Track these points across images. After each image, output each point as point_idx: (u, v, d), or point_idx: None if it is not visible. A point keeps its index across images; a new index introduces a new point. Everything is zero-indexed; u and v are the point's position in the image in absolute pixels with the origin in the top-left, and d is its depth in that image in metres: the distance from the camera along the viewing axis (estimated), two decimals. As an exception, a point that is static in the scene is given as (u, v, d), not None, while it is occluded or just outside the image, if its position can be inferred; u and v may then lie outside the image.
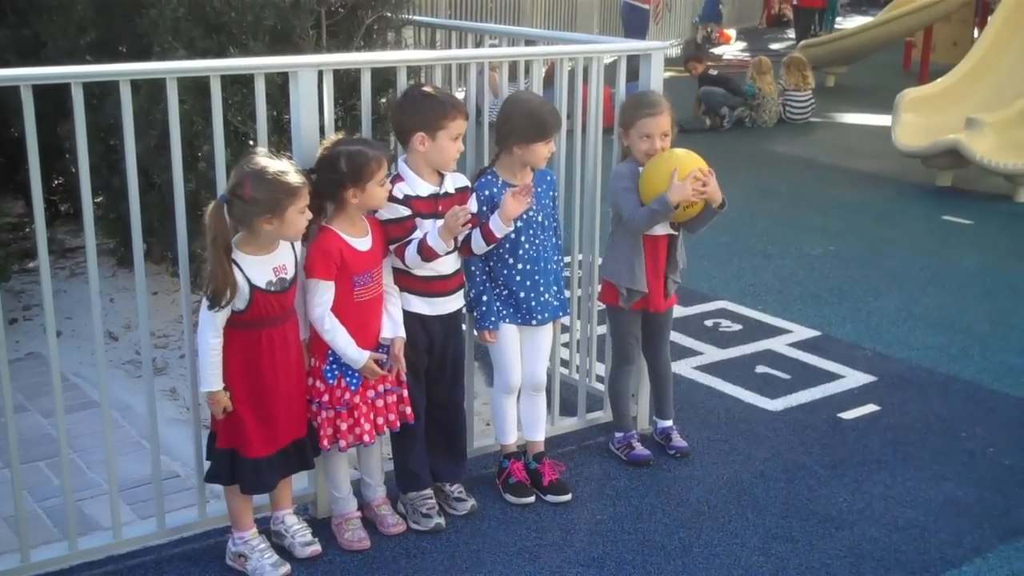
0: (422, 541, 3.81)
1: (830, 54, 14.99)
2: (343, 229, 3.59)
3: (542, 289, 4.04)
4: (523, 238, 3.97)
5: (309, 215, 3.43)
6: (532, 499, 4.07)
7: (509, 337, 4.05)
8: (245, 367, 3.45)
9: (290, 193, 3.34)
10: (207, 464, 3.59)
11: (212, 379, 3.42)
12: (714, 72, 12.44)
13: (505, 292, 4.01)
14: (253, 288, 3.38)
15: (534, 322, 4.05)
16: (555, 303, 4.10)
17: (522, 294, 4.00)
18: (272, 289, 3.42)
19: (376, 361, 3.62)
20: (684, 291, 4.69)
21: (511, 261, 3.99)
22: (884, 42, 15.37)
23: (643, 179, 4.18)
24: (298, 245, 3.54)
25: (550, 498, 4.11)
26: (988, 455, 4.54)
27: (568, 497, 4.11)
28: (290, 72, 3.63)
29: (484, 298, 3.99)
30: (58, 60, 5.50)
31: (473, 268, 3.98)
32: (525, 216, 3.91)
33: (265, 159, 3.39)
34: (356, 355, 3.58)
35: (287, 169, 3.38)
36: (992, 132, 8.89)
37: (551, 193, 4.11)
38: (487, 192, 3.94)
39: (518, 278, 3.99)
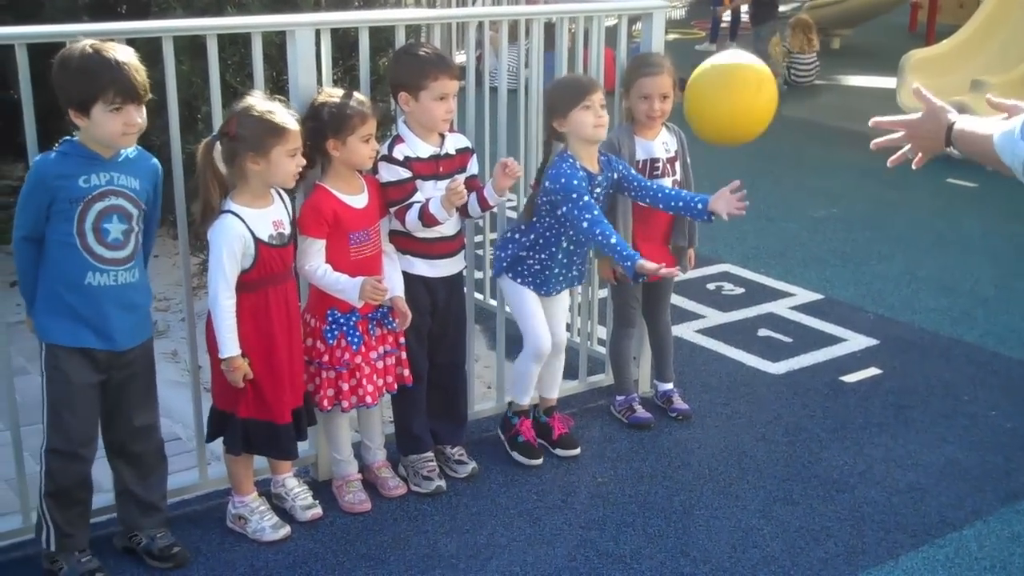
0: (423, 504, 3.81)
1: (836, 15, 14.88)
2: (336, 186, 3.57)
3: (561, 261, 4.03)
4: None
5: (301, 161, 3.38)
6: (540, 461, 4.06)
7: (534, 304, 4.03)
8: (256, 331, 3.40)
9: (275, 133, 3.29)
10: (220, 440, 3.56)
11: (229, 343, 3.33)
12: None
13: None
14: (257, 241, 3.35)
15: (554, 292, 4.06)
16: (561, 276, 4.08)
17: (538, 266, 4.00)
18: (274, 243, 3.39)
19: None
20: (686, 254, 4.65)
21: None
22: (890, 3, 15.25)
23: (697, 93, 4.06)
24: (288, 202, 3.51)
25: (559, 452, 4.11)
26: (990, 418, 4.53)
27: (577, 451, 4.12)
28: (287, 31, 3.60)
29: (552, 249, 3.95)
30: (56, 20, 5.42)
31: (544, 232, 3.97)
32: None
33: (255, 99, 3.36)
34: (350, 285, 3.52)
35: (275, 110, 3.33)
36: (997, 94, 8.77)
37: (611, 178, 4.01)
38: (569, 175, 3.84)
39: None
